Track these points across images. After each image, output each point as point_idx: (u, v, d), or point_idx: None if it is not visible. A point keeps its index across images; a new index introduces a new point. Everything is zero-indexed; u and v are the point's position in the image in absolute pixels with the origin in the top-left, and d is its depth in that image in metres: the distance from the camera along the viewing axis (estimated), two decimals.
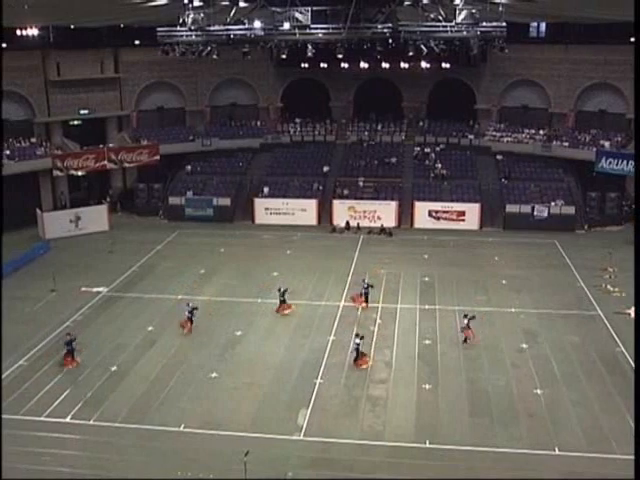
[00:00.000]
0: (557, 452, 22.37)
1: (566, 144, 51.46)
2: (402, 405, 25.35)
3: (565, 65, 51.93)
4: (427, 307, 34.38)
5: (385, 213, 48.66)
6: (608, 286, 36.59)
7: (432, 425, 24.04)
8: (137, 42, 53.70)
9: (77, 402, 25.51)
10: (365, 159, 54.07)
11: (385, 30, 36.57)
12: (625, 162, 45.81)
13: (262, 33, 36.48)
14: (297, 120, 57.56)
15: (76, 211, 47.68)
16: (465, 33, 35.61)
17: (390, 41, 38.10)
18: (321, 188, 51.20)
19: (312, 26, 35.33)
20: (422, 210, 48.48)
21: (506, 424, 24.02)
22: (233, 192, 51.62)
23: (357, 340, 28.35)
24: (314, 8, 34.95)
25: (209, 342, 30.54)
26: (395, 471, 21.55)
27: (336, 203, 49.50)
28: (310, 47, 37.67)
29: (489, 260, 41.54)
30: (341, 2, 35.29)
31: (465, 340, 30.11)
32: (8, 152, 47.54)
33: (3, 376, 27.36)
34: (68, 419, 24.50)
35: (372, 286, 34.62)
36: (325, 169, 53.33)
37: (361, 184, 51.07)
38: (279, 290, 33.76)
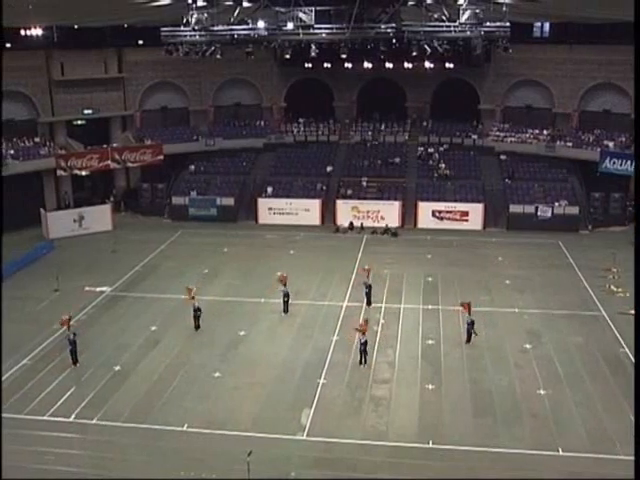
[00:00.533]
0: (560, 453, 22.34)
1: (570, 144, 51.38)
2: (405, 405, 25.34)
3: (569, 65, 51.84)
4: (430, 307, 34.36)
5: (388, 213, 48.63)
6: (612, 286, 36.54)
7: (435, 425, 24.02)
8: (141, 42, 53.74)
9: (80, 401, 25.56)
10: (368, 159, 54.05)
11: (389, 30, 36.52)
12: (629, 162, 45.79)
13: (266, 33, 36.46)
14: (300, 120, 57.57)
15: (80, 211, 47.77)
16: (469, 33, 35.56)
17: (394, 41, 38.05)
18: (324, 188, 51.19)
19: (316, 26, 35.33)
20: (425, 210, 48.43)
21: (509, 424, 24.00)
22: (237, 192, 51.65)
23: (361, 339, 28.35)
24: (318, 8, 34.95)
25: (212, 342, 30.56)
26: (398, 471, 21.53)
27: (339, 203, 49.49)
28: (314, 47, 37.64)
29: (492, 260, 41.49)
30: (345, 2, 35.26)
31: (468, 340, 30.10)
32: (12, 152, 47.63)
33: (6, 376, 27.42)
34: (71, 418, 24.53)
35: (370, 286, 34.68)
36: (328, 169, 53.32)
37: (364, 184, 51.05)
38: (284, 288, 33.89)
